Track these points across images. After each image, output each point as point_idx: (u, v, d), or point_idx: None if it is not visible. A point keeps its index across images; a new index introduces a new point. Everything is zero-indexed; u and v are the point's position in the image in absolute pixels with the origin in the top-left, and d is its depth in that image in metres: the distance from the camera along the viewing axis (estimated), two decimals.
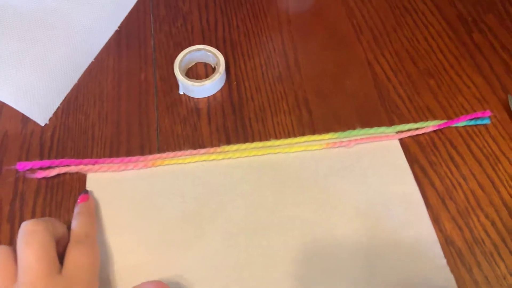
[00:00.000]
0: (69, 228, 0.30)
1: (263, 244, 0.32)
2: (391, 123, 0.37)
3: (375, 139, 0.36)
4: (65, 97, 0.39)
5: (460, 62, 0.41)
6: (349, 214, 0.33)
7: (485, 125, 0.37)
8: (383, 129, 0.36)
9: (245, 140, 0.36)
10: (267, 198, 0.33)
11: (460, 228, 0.32)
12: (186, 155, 0.35)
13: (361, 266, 0.31)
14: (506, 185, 0.34)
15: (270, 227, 0.32)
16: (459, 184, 0.34)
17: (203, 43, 0.42)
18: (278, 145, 0.36)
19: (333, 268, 0.31)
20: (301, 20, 0.44)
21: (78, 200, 0.32)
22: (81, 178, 0.34)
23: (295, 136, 0.37)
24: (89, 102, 0.39)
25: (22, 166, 0.34)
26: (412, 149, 0.36)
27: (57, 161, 0.35)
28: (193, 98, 0.39)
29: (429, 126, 0.36)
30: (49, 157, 0.36)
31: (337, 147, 0.36)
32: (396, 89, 0.39)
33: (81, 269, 0.27)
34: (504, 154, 0.36)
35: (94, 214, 0.32)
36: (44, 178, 0.34)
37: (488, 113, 0.37)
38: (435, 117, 0.38)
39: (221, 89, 0.40)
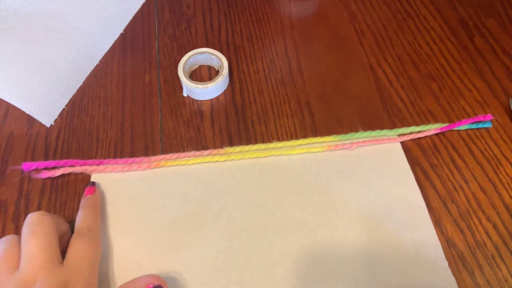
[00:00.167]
0: (74, 221, 0.30)
1: (264, 246, 0.32)
2: (393, 126, 0.37)
3: (377, 142, 0.36)
4: (70, 99, 0.40)
5: (462, 66, 0.41)
6: (351, 216, 0.33)
7: (486, 128, 0.37)
8: (385, 132, 0.37)
9: (248, 142, 0.37)
10: (268, 199, 0.34)
11: (461, 231, 0.32)
12: (189, 157, 0.36)
13: (362, 268, 0.31)
14: (508, 188, 0.34)
15: (271, 228, 0.32)
16: (461, 187, 0.34)
17: (207, 46, 0.42)
18: (281, 147, 0.36)
19: (334, 270, 0.31)
20: (303, 24, 0.45)
21: (85, 192, 0.32)
22: (85, 179, 0.35)
23: (297, 138, 0.37)
24: (94, 104, 0.39)
25: (27, 166, 0.35)
26: (414, 152, 0.36)
27: (62, 162, 0.35)
28: (197, 100, 0.40)
29: (431, 129, 0.37)
30: (54, 158, 0.36)
31: (339, 150, 0.36)
32: (398, 93, 0.40)
33: (82, 262, 0.27)
34: (505, 157, 0.36)
35: (99, 208, 0.32)
36: (49, 178, 0.35)
37: (490, 116, 0.37)
38: (437, 121, 0.38)
39: (224, 91, 0.40)
